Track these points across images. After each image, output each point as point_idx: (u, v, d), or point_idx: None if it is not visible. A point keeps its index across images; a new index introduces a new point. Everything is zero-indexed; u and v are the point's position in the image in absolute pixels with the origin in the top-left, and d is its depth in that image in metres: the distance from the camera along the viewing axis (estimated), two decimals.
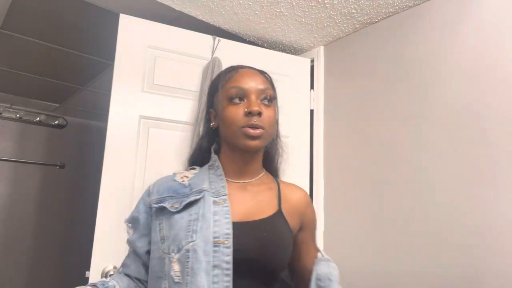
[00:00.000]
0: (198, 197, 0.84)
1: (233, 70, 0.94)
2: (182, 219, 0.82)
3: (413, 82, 1.58)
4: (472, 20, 1.42)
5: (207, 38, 1.75)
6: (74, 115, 3.42)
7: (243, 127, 0.85)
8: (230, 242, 0.78)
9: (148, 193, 0.92)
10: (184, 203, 0.83)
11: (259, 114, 0.85)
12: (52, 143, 3.25)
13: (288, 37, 1.95)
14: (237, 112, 0.86)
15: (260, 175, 0.96)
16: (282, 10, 1.70)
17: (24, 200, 3.13)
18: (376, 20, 1.75)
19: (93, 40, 2.03)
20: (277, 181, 1.01)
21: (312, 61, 2.04)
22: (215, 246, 0.77)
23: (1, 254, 2.99)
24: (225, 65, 1.71)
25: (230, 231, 0.79)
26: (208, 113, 0.97)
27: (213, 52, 1.72)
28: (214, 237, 0.78)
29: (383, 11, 1.68)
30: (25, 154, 3.11)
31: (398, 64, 1.65)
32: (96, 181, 1.44)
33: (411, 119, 1.56)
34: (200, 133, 1.01)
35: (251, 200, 0.89)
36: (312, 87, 2.01)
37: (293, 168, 1.91)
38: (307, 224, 0.98)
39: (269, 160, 1.02)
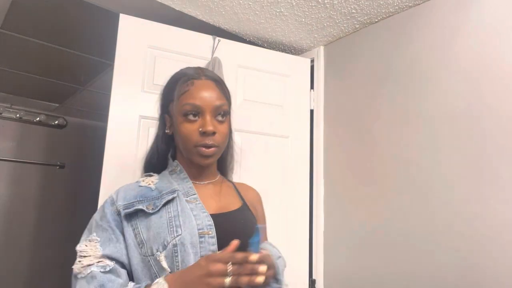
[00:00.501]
0: (173, 195, 0.86)
1: (189, 80, 0.92)
2: (161, 218, 0.83)
3: (413, 82, 1.58)
4: (472, 20, 1.42)
5: (207, 38, 1.75)
6: (74, 115, 3.42)
7: (197, 146, 0.88)
8: (213, 232, 0.82)
9: (112, 202, 0.88)
10: (162, 202, 0.85)
11: (213, 133, 0.88)
12: (52, 143, 3.25)
13: (288, 37, 1.95)
14: (192, 129, 0.88)
15: (217, 177, 1.01)
16: (282, 10, 1.70)
17: (24, 200, 3.13)
18: (376, 20, 1.75)
19: (93, 40, 2.03)
20: (230, 181, 1.07)
21: (312, 61, 2.04)
22: (200, 237, 0.80)
23: (1, 254, 2.99)
24: (225, 65, 1.71)
25: (212, 222, 0.83)
26: (163, 117, 0.97)
27: (213, 52, 1.72)
28: (199, 229, 0.81)
29: (383, 11, 1.68)
30: (25, 154, 3.11)
31: (398, 64, 1.65)
32: (96, 181, 1.44)
33: (411, 119, 1.56)
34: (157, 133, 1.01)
35: (218, 196, 0.95)
36: (312, 87, 2.01)
37: (293, 168, 1.92)
38: (259, 218, 1.05)
39: (222, 164, 1.07)
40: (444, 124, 1.45)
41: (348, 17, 1.74)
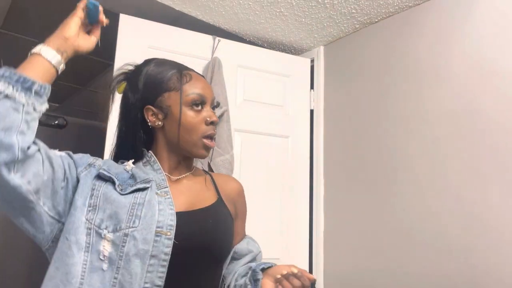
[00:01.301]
0: (146, 185, 0.82)
1: (184, 71, 0.90)
2: (125, 199, 0.78)
3: (413, 82, 1.58)
4: (472, 20, 1.42)
5: (207, 38, 1.75)
6: (74, 115, 3.42)
7: (204, 137, 0.86)
8: (172, 234, 0.76)
9: (95, 159, 0.85)
10: (132, 188, 0.80)
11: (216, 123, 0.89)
12: (52, 143, 3.24)
13: (288, 37, 1.95)
14: (198, 119, 0.86)
15: (193, 170, 0.96)
16: (282, 10, 1.70)
17: None
18: (376, 20, 1.75)
19: None
20: (208, 173, 1.01)
21: (312, 61, 2.04)
22: (156, 235, 0.75)
23: (1, 254, 2.99)
24: (225, 65, 1.71)
25: (174, 222, 0.77)
26: (141, 109, 0.89)
27: (213, 52, 1.72)
28: (157, 227, 0.76)
29: (383, 11, 1.68)
30: None
31: (398, 64, 1.65)
32: None
33: (410, 119, 1.56)
34: (124, 128, 0.93)
35: (190, 191, 0.89)
36: (312, 87, 2.01)
37: (293, 168, 1.91)
38: (239, 213, 0.99)
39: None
40: (444, 124, 1.45)
41: (348, 17, 1.74)
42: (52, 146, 0.80)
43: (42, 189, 0.73)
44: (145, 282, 0.73)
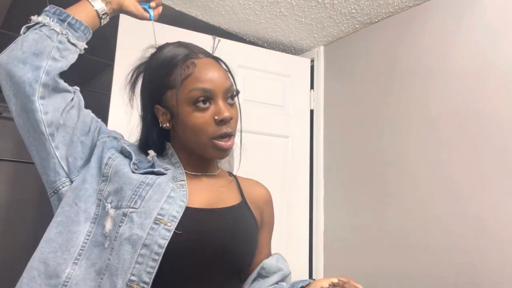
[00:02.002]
0: (163, 171, 0.74)
1: (188, 60, 0.76)
2: (135, 175, 0.71)
3: (413, 82, 1.58)
4: (472, 20, 1.42)
5: (207, 38, 1.75)
6: None
7: (214, 138, 0.74)
8: (173, 226, 0.66)
9: (122, 137, 0.83)
10: (146, 170, 0.74)
11: (230, 119, 0.76)
12: None
13: (288, 37, 1.95)
14: (204, 119, 0.74)
15: (218, 170, 0.88)
16: (282, 10, 1.70)
17: (24, 200, 3.13)
18: (376, 20, 1.75)
19: (93, 40, 2.02)
20: (233, 174, 0.92)
21: (312, 61, 2.04)
22: (155, 223, 0.66)
23: (1, 253, 2.99)
24: None
25: (179, 215, 0.68)
26: (151, 108, 0.80)
27: (213, 52, 1.72)
28: (159, 214, 0.67)
29: (383, 11, 1.68)
30: (25, 154, 3.10)
31: (398, 64, 1.65)
32: None
33: (410, 119, 1.56)
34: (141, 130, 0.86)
35: (211, 190, 0.80)
36: (312, 87, 2.01)
37: (293, 168, 1.91)
38: (265, 223, 0.89)
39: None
40: (444, 124, 1.45)
41: (348, 17, 1.74)
42: None
43: (60, 129, 0.73)
44: (132, 274, 0.63)
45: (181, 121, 0.76)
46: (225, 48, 1.76)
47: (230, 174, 0.92)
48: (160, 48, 0.85)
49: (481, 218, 1.30)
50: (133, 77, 0.86)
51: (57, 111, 0.72)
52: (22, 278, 0.68)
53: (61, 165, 0.73)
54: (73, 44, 0.77)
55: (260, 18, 1.77)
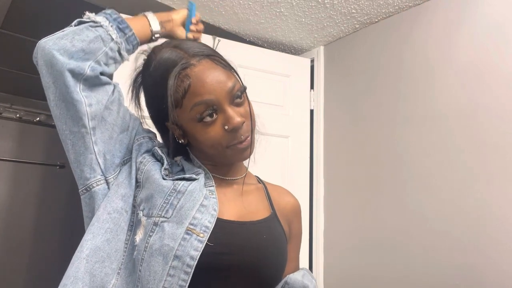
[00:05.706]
0: (195, 177, 0.71)
1: (181, 74, 0.69)
2: (166, 182, 0.69)
3: (413, 82, 1.58)
4: (472, 20, 1.42)
5: (207, 38, 1.74)
6: None
7: (228, 146, 0.71)
8: (205, 237, 0.63)
9: (156, 138, 0.81)
10: (178, 176, 0.71)
11: (243, 123, 0.70)
12: (52, 143, 3.24)
13: (288, 37, 1.95)
14: (215, 131, 0.69)
15: (244, 173, 0.82)
16: (282, 10, 1.70)
17: (24, 200, 3.13)
18: (376, 20, 1.75)
19: None
20: (262, 181, 0.90)
21: (312, 61, 2.04)
22: (187, 233, 0.63)
23: (1, 253, 2.99)
24: None
25: (211, 225, 0.65)
26: (163, 125, 0.77)
27: None
28: (191, 224, 0.64)
29: (383, 11, 1.68)
30: (25, 154, 3.11)
31: (398, 64, 1.65)
32: None
33: (410, 119, 1.56)
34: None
35: (241, 199, 0.76)
36: (312, 87, 2.01)
37: (293, 168, 1.91)
38: (293, 236, 0.85)
39: None
40: (444, 124, 1.45)
41: (348, 17, 1.74)
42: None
43: (100, 123, 0.69)
44: (164, 287, 0.61)
45: (192, 137, 0.73)
46: (225, 48, 1.75)
47: (259, 179, 0.90)
48: (149, 59, 0.76)
49: (482, 218, 1.30)
50: (134, 92, 0.81)
51: (101, 104, 0.69)
52: None
53: (98, 162, 0.69)
54: (121, 55, 0.74)
55: (260, 18, 1.77)
